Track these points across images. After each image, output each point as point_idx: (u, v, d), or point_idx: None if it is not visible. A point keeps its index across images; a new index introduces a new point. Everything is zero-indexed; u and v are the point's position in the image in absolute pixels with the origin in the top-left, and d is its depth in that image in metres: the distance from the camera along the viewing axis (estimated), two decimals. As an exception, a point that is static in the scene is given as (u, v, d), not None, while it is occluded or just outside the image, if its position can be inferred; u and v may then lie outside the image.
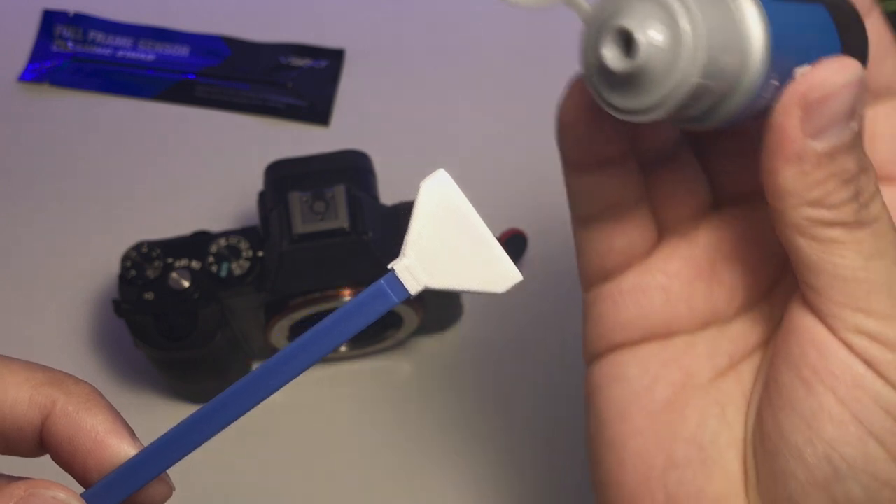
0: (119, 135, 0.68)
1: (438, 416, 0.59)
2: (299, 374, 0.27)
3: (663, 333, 0.35)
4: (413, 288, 0.26)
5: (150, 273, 0.51)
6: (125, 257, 0.52)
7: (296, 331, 0.55)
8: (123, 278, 0.52)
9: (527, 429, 0.58)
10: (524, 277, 0.27)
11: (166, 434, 0.28)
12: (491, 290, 0.27)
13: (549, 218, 0.63)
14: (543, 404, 0.59)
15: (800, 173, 0.29)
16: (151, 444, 0.28)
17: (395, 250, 0.56)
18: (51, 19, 0.71)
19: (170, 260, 0.52)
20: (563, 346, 0.61)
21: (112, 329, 0.60)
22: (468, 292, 0.27)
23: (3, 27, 0.72)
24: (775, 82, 0.28)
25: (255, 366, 0.59)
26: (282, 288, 0.52)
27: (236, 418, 0.28)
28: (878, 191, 0.30)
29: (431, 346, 0.60)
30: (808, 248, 0.30)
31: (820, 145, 0.28)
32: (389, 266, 0.26)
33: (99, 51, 0.70)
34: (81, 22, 0.71)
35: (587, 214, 0.37)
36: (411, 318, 0.56)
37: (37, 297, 0.62)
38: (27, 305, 0.62)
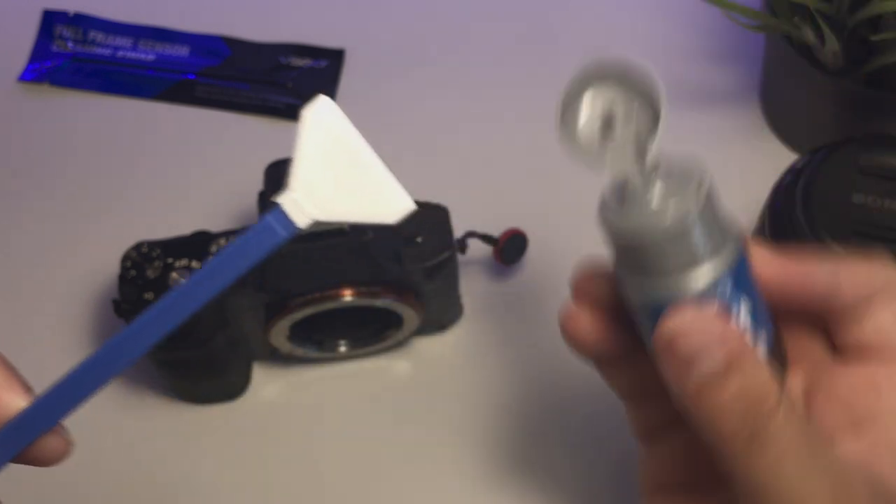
0: (119, 135, 0.68)
1: (438, 416, 0.59)
2: (190, 314, 0.26)
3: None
4: (301, 221, 0.25)
5: (150, 273, 0.51)
6: (125, 257, 0.52)
7: (296, 331, 0.55)
8: (123, 278, 0.52)
9: (527, 429, 0.58)
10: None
11: (55, 384, 0.27)
12: (383, 220, 0.26)
13: (549, 218, 0.63)
14: (543, 404, 0.59)
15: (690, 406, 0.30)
16: (41, 396, 0.27)
17: (395, 250, 0.56)
18: (51, 19, 0.71)
19: (170, 260, 0.52)
20: (563, 345, 0.61)
21: (112, 329, 0.60)
22: (360, 223, 0.26)
23: (4, 27, 0.72)
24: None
25: (256, 366, 0.59)
26: (282, 288, 0.52)
27: (127, 365, 0.26)
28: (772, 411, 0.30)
29: (431, 346, 0.60)
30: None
31: (689, 383, 0.30)
32: (273, 199, 0.25)
33: (99, 51, 0.70)
34: (81, 22, 0.71)
35: (624, 395, 0.40)
36: (411, 318, 0.56)
37: (37, 297, 0.62)
38: (27, 305, 0.62)
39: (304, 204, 0.25)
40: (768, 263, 0.34)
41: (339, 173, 0.25)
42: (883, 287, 0.33)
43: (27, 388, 0.28)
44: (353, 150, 0.25)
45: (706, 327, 0.30)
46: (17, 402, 0.27)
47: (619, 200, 0.30)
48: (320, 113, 0.25)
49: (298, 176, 0.25)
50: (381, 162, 0.26)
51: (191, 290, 0.26)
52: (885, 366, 0.33)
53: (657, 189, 0.29)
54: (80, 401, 0.26)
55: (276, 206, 0.25)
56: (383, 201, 0.25)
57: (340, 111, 0.25)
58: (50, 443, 0.28)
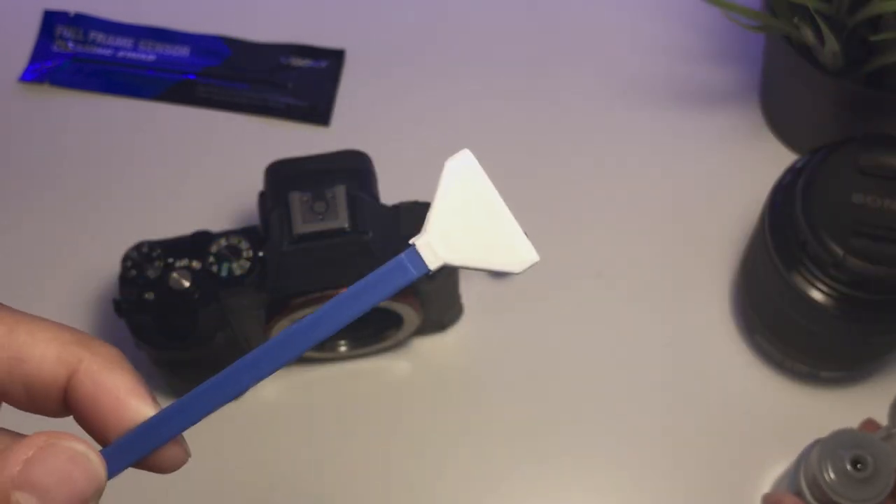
0: (119, 135, 0.68)
1: (438, 415, 0.59)
2: (320, 341, 0.27)
3: None
4: (432, 263, 0.27)
5: (151, 273, 0.51)
6: (125, 257, 0.52)
7: (296, 331, 0.55)
8: (124, 278, 0.52)
9: (527, 428, 0.58)
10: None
11: (183, 398, 0.28)
12: (508, 269, 0.27)
13: (549, 218, 0.63)
14: (543, 404, 0.59)
15: None
16: (169, 407, 0.28)
17: (394, 250, 0.56)
18: (51, 20, 0.71)
19: (170, 260, 0.52)
20: (563, 345, 0.61)
21: (112, 329, 0.60)
22: (486, 270, 0.27)
23: (4, 27, 0.72)
24: None
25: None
26: (282, 288, 0.52)
27: (253, 384, 0.28)
28: None
29: (431, 346, 0.60)
30: None
31: None
32: (410, 241, 0.27)
33: (99, 51, 0.70)
34: (82, 22, 0.71)
35: None
36: (411, 318, 0.56)
37: (37, 296, 0.62)
38: (27, 305, 0.62)
39: (437, 247, 0.27)
40: None
41: (471, 222, 0.27)
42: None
43: (153, 398, 0.29)
44: (488, 202, 0.28)
45: None
46: (144, 409, 0.28)
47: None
48: (461, 164, 0.28)
49: (435, 221, 0.27)
50: (511, 215, 0.28)
51: (320, 319, 0.27)
52: None
53: None
54: (204, 414, 0.28)
55: (411, 246, 0.27)
56: (510, 251, 0.27)
57: (479, 165, 0.28)
58: (171, 451, 0.29)
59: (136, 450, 0.28)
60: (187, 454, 0.30)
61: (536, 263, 0.28)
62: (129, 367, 0.29)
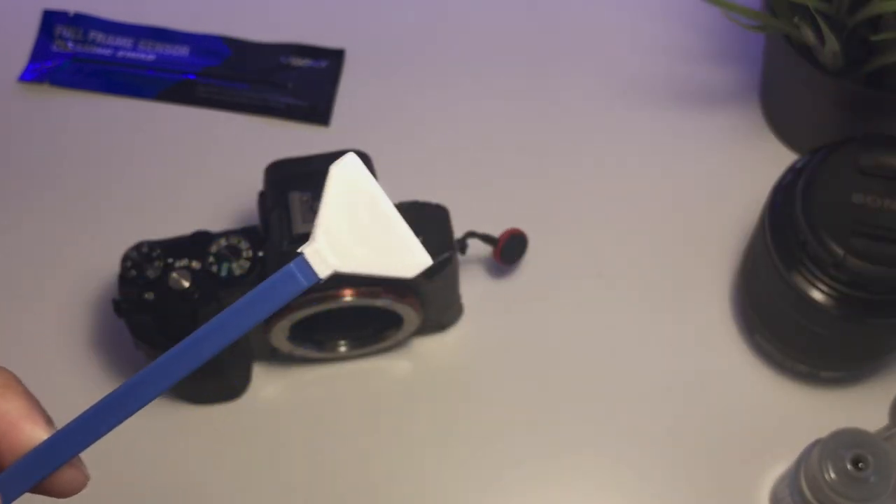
0: (119, 135, 0.68)
1: (438, 415, 0.59)
2: (207, 359, 0.27)
3: None
4: (322, 272, 0.26)
5: (151, 273, 0.51)
6: (125, 257, 0.52)
7: (296, 331, 0.55)
8: (123, 278, 0.52)
9: (526, 428, 0.58)
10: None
11: (76, 418, 0.27)
12: (400, 274, 0.27)
13: (549, 218, 0.63)
14: (543, 404, 0.59)
15: None
16: (60, 430, 0.27)
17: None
18: (51, 19, 0.71)
19: (170, 260, 0.52)
20: (563, 345, 0.61)
21: (112, 329, 0.60)
22: (378, 276, 0.27)
23: (4, 27, 0.72)
24: None
25: (256, 366, 0.59)
26: (282, 288, 0.52)
27: (145, 403, 0.28)
28: None
29: (431, 346, 0.60)
30: None
31: None
32: (299, 250, 0.26)
33: (99, 51, 0.70)
34: (81, 22, 0.71)
35: None
36: (411, 318, 0.56)
37: (37, 296, 0.62)
38: (27, 305, 0.62)
39: (326, 255, 0.26)
40: None
41: (360, 227, 0.26)
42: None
43: (48, 420, 0.28)
44: (376, 206, 0.27)
45: None
46: (37, 433, 0.28)
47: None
48: (346, 168, 0.27)
49: (322, 228, 0.26)
50: (401, 218, 0.27)
51: (209, 333, 0.27)
52: None
53: None
54: (98, 436, 0.27)
55: (299, 255, 0.26)
56: (401, 256, 0.27)
57: (365, 168, 0.27)
58: (67, 474, 0.28)
59: (30, 475, 0.27)
60: (86, 477, 0.29)
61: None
62: (22, 390, 0.28)
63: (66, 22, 0.71)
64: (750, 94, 0.68)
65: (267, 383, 0.59)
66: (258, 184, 0.54)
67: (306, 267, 0.26)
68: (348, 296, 0.52)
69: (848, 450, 0.48)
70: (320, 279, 0.27)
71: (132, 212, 0.64)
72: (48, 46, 0.70)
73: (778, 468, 0.56)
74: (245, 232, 0.53)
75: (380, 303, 0.53)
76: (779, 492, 0.54)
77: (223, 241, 0.52)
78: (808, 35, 0.55)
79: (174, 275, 0.51)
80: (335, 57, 0.70)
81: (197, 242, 0.53)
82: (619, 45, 0.70)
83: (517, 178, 0.65)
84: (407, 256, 0.27)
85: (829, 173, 0.51)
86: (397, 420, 0.59)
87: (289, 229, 0.50)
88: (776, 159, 0.62)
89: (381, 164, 0.56)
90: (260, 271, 0.52)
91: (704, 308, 0.61)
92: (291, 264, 0.26)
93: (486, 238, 0.58)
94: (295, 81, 0.69)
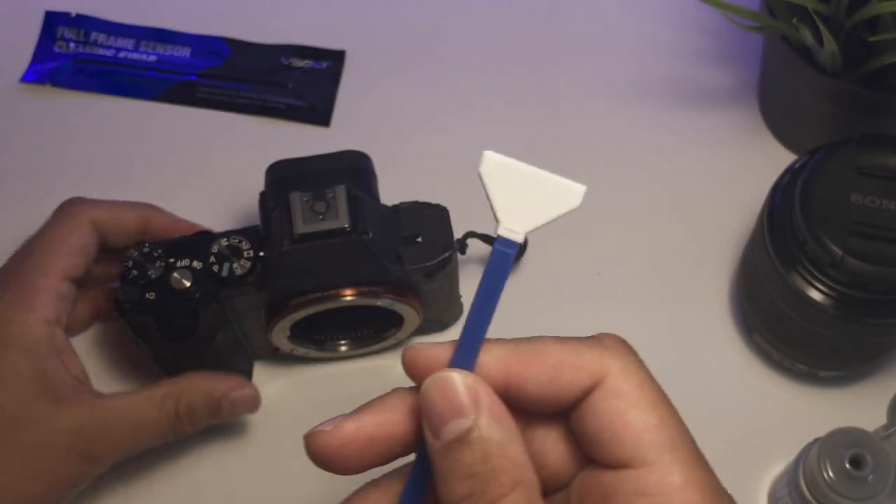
0: (121, 136, 0.68)
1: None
2: (480, 342, 0.33)
3: None
4: (518, 237, 0.32)
5: (152, 273, 0.52)
6: (126, 257, 0.52)
7: (297, 330, 0.55)
8: (125, 278, 0.52)
9: (526, 428, 0.59)
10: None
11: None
12: (570, 207, 0.32)
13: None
14: (543, 404, 0.59)
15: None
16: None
17: (395, 250, 0.56)
18: (53, 20, 0.71)
19: (171, 260, 0.52)
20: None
21: (112, 329, 0.60)
22: (556, 219, 0.32)
23: (6, 28, 0.72)
24: None
25: (257, 365, 0.59)
26: (283, 288, 0.52)
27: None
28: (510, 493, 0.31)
29: (431, 345, 0.60)
30: None
31: (437, 442, 0.32)
32: (494, 234, 0.32)
33: (101, 52, 0.70)
34: (83, 23, 0.71)
35: None
36: (411, 318, 0.56)
37: (39, 296, 0.62)
38: (29, 305, 0.62)
39: (512, 226, 0.32)
40: (495, 365, 0.33)
41: (521, 194, 0.33)
42: (606, 373, 0.35)
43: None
44: (522, 173, 0.33)
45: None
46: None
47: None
48: (488, 164, 0.34)
49: (500, 210, 0.32)
50: (546, 171, 0.33)
51: (472, 321, 0.33)
52: (650, 470, 0.33)
53: None
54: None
55: (498, 237, 0.32)
56: (561, 196, 0.32)
57: (498, 154, 0.34)
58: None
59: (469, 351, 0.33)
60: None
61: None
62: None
63: (67, 23, 0.71)
64: (748, 94, 0.68)
65: (267, 382, 0.59)
66: (259, 184, 0.55)
67: (505, 242, 0.32)
68: (349, 295, 0.52)
69: (846, 449, 0.48)
70: (519, 244, 0.32)
71: (133, 212, 0.65)
72: (50, 47, 0.70)
73: (776, 467, 0.56)
74: (246, 232, 0.53)
75: (380, 302, 0.53)
76: (777, 491, 0.54)
77: (224, 241, 0.52)
78: (807, 36, 0.55)
79: (175, 274, 0.51)
80: (336, 58, 0.70)
81: (198, 242, 0.53)
82: (618, 46, 0.70)
83: (517, 179, 0.65)
84: (566, 193, 0.33)
85: (828, 174, 0.51)
86: (397, 419, 0.59)
87: (289, 229, 0.50)
88: (774, 160, 0.62)
89: (382, 164, 0.56)
90: (261, 271, 0.52)
91: (703, 308, 0.61)
92: (495, 245, 0.32)
93: (486, 238, 0.58)
94: (296, 82, 0.69)
